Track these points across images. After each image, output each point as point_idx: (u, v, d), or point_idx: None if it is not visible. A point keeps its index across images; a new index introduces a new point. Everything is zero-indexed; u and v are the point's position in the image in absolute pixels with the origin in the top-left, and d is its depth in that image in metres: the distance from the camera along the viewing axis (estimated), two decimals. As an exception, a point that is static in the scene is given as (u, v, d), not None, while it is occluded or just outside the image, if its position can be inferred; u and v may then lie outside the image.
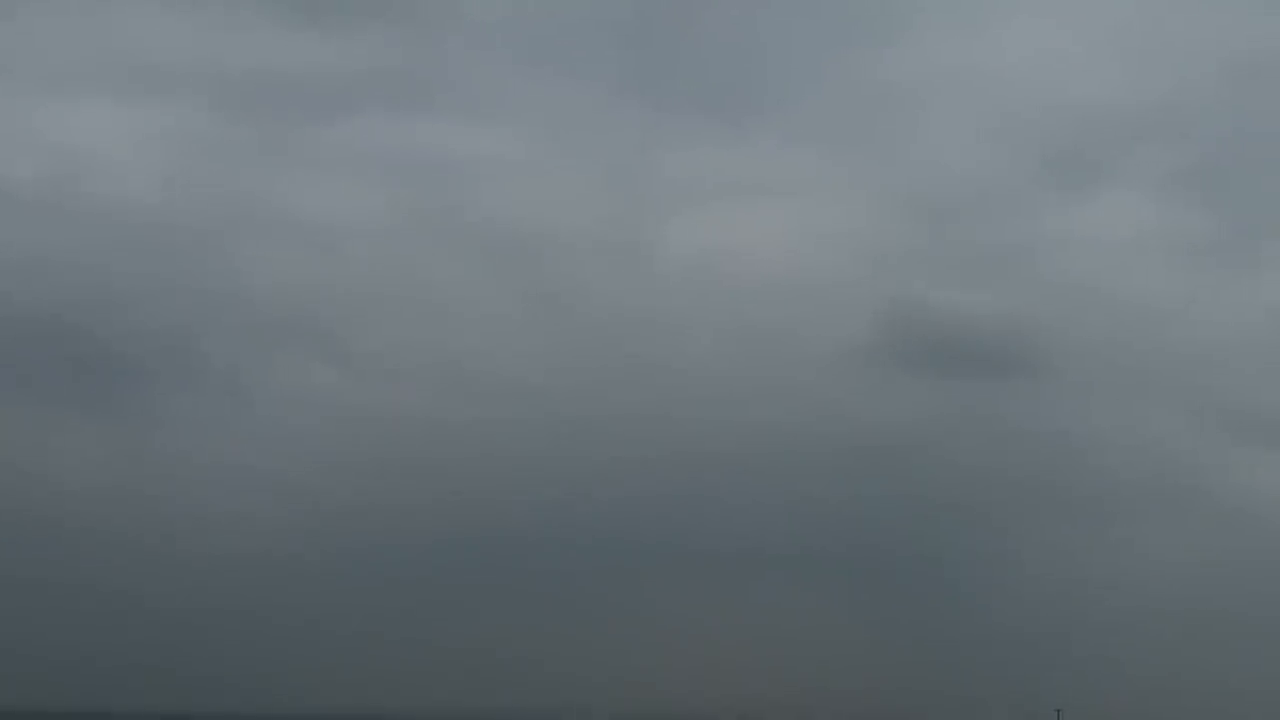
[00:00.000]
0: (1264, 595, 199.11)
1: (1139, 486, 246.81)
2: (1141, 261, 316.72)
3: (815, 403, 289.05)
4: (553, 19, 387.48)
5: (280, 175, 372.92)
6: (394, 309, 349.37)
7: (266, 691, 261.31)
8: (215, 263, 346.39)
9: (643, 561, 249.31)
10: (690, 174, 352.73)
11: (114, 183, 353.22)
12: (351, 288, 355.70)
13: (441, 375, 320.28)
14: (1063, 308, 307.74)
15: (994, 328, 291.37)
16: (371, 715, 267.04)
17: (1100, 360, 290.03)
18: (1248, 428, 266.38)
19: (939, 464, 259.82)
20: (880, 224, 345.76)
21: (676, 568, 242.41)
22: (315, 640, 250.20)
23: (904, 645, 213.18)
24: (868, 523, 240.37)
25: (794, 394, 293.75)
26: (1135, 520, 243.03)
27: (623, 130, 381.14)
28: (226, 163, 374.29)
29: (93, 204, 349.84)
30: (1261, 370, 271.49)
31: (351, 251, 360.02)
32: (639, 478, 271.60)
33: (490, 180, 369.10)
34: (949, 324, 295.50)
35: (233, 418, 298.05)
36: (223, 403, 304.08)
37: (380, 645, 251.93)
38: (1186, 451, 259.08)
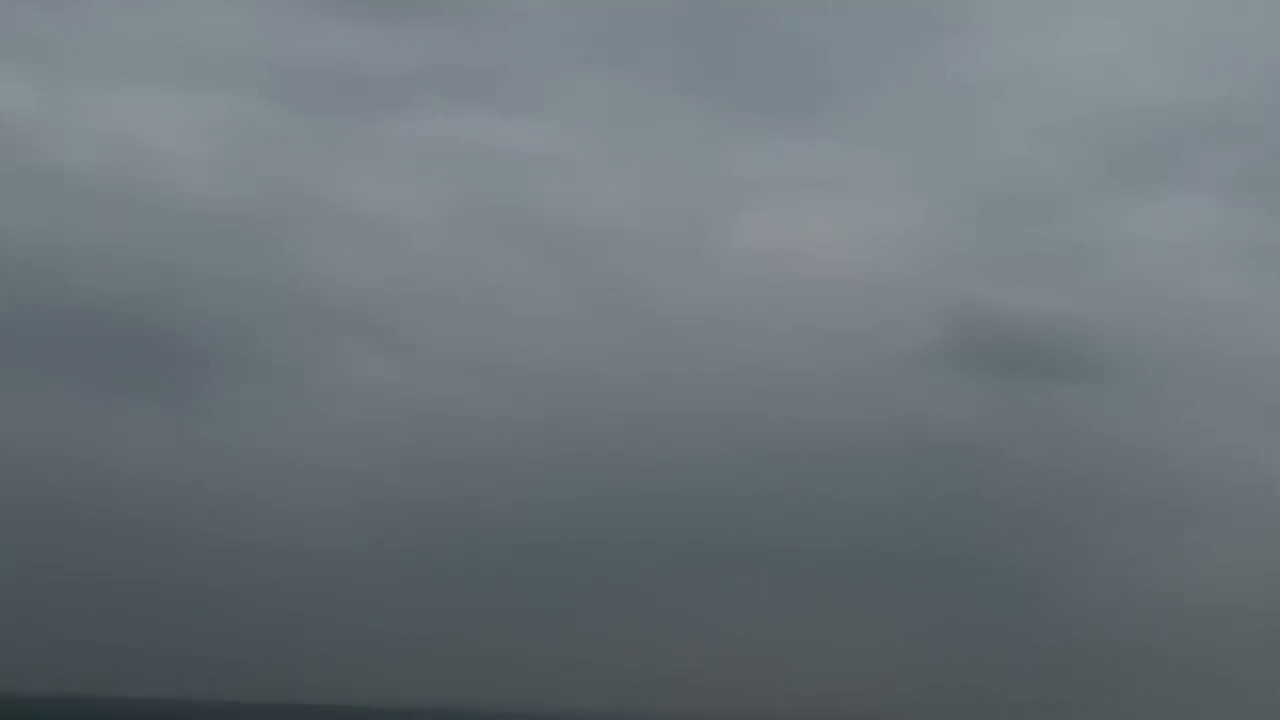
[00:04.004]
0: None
1: (1207, 489, 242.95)
2: (1206, 263, 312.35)
3: (878, 402, 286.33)
4: (613, 14, 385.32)
5: (340, 168, 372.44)
6: (454, 304, 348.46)
7: (320, 683, 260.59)
8: (275, 255, 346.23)
9: (703, 560, 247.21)
10: (752, 171, 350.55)
11: (175, 174, 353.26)
12: (411, 282, 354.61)
13: (501, 371, 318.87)
14: (1127, 310, 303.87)
15: (1058, 330, 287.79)
16: (423, 709, 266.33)
17: (1166, 363, 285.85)
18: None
19: (1004, 467, 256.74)
20: (943, 223, 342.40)
21: (738, 567, 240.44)
22: (367, 634, 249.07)
23: (969, 649, 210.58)
24: (931, 524, 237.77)
25: (856, 393, 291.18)
26: (1203, 523, 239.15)
27: (684, 126, 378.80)
28: (286, 155, 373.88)
29: (154, 194, 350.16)
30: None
31: (411, 245, 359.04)
32: (701, 476, 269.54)
33: (550, 175, 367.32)
34: (1012, 325, 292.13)
35: (292, 410, 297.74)
36: (283, 395, 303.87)
37: (434, 641, 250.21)
38: (1254, 453, 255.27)
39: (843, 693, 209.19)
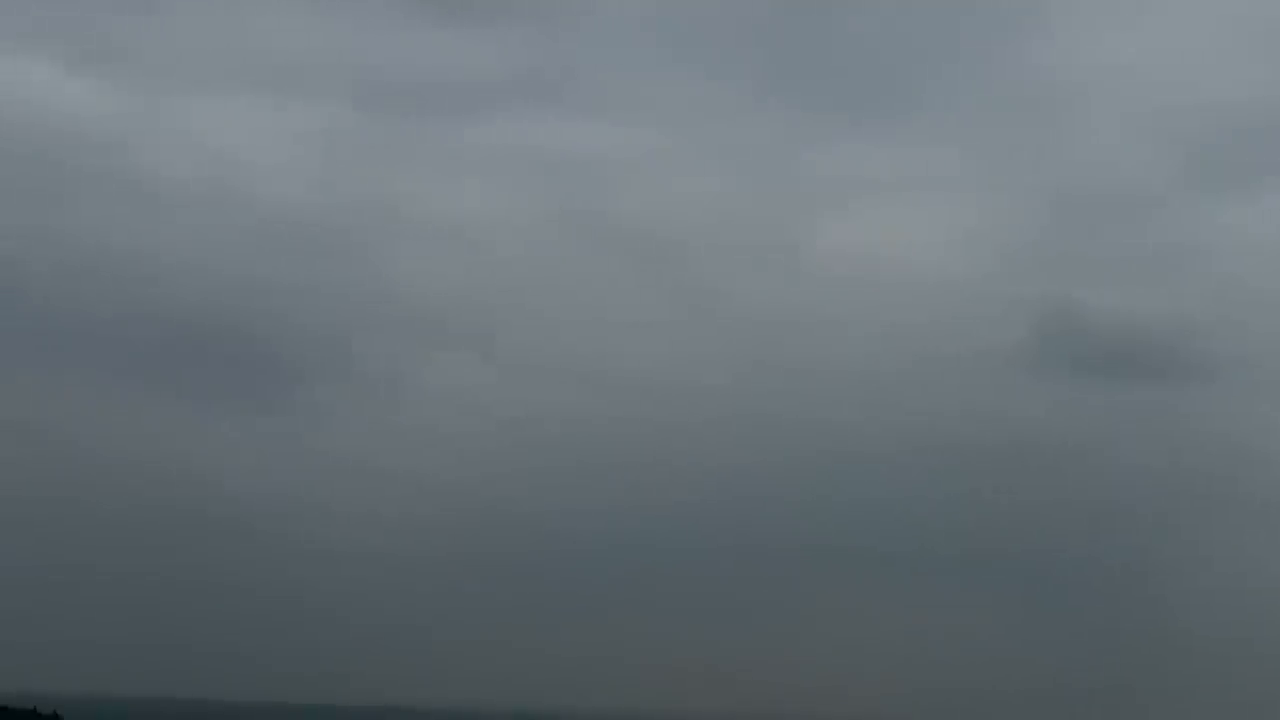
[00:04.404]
0: None
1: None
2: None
3: (969, 404, 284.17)
4: (692, 18, 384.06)
5: (425, 175, 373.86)
6: (543, 309, 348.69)
7: (415, 686, 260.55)
8: (364, 262, 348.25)
9: (794, 563, 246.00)
10: (835, 173, 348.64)
11: (267, 184, 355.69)
12: (500, 288, 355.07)
13: (590, 376, 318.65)
14: (1219, 308, 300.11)
15: (1150, 329, 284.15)
16: (509, 713, 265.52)
17: (1260, 360, 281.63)
18: None
19: (1102, 467, 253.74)
20: (1031, 223, 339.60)
21: (830, 569, 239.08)
22: (464, 639, 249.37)
23: (1073, 649, 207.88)
24: (1028, 525, 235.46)
25: (946, 395, 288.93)
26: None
27: (766, 129, 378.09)
28: (374, 163, 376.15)
29: (245, 203, 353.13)
30: None
31: (499, 251, 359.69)
32: (789, 479, 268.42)
33: (633, 179, 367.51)
34: (1103, 325, 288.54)
35: (387, 417, 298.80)
36: (377, 402, 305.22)
37: (528, 647, 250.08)
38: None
39: (945, 696, 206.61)
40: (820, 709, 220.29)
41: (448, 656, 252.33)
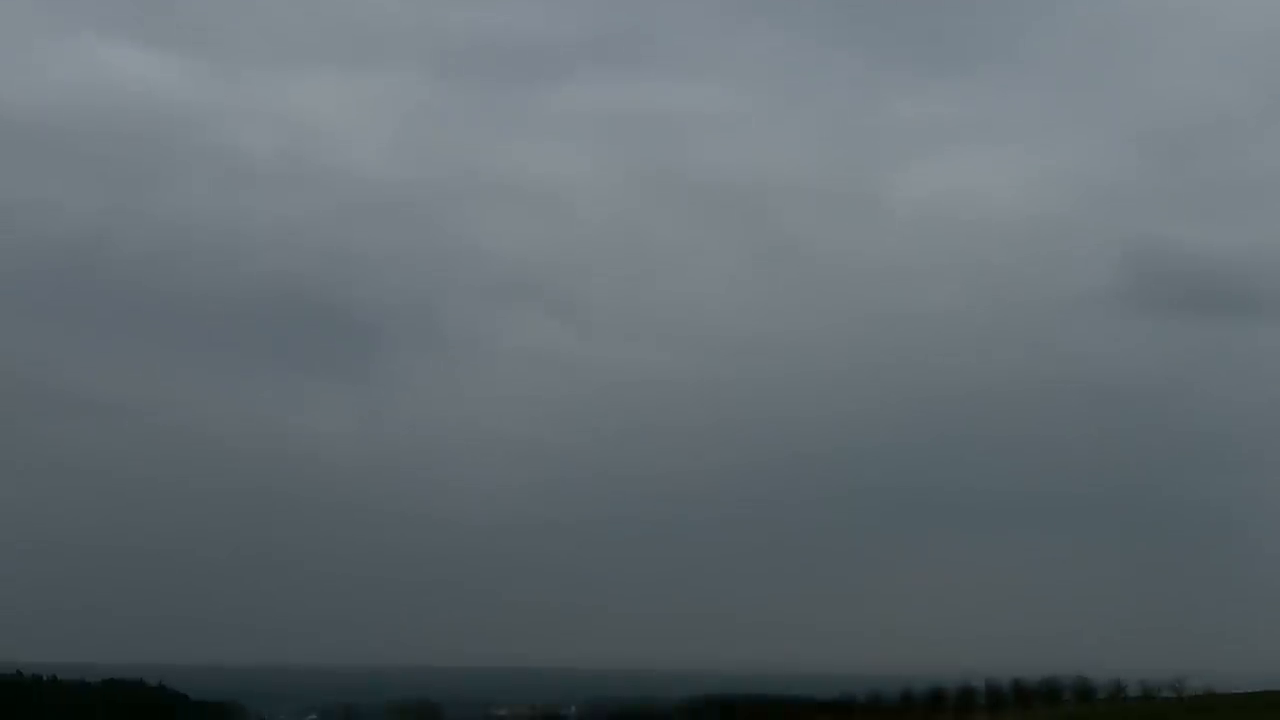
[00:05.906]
0: None
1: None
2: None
3: (1059, 345, 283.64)
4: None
5: (505, 138, 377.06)
6: (625, 267, 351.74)
7: (488, 647, 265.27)
8: (447, 227, 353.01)
9: (893, 510, 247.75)
10: (915, 119, 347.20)
11: (348, 152, 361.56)
12: (581, 248, 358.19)
13: (677, 332, 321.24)
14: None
15: (1243, 264, 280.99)
16: (621, 669, 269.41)
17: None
18: None
19: (1196, 406, 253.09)
20: (1117, 161, 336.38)
21: (928, 515, 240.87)
22: (551, 602, 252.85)
23: (1169, 592, 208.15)
24: (1123, 465, 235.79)
25: (1037, 337, 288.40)
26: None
27: (842, 79, 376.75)
28: (452, 128, 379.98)
29: (329, 174, 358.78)
30: None
31: (579, 211, 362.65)
32: (882, 428, 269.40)
33: (712, 135, 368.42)
34: (1193, 262, 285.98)
35: (472, 379, 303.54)
36: (462, 365, 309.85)
37: (630, 606, 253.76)
38: None
39: (1044, 645, 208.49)
40: (896, 657, 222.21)
41: (548, 618, 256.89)
